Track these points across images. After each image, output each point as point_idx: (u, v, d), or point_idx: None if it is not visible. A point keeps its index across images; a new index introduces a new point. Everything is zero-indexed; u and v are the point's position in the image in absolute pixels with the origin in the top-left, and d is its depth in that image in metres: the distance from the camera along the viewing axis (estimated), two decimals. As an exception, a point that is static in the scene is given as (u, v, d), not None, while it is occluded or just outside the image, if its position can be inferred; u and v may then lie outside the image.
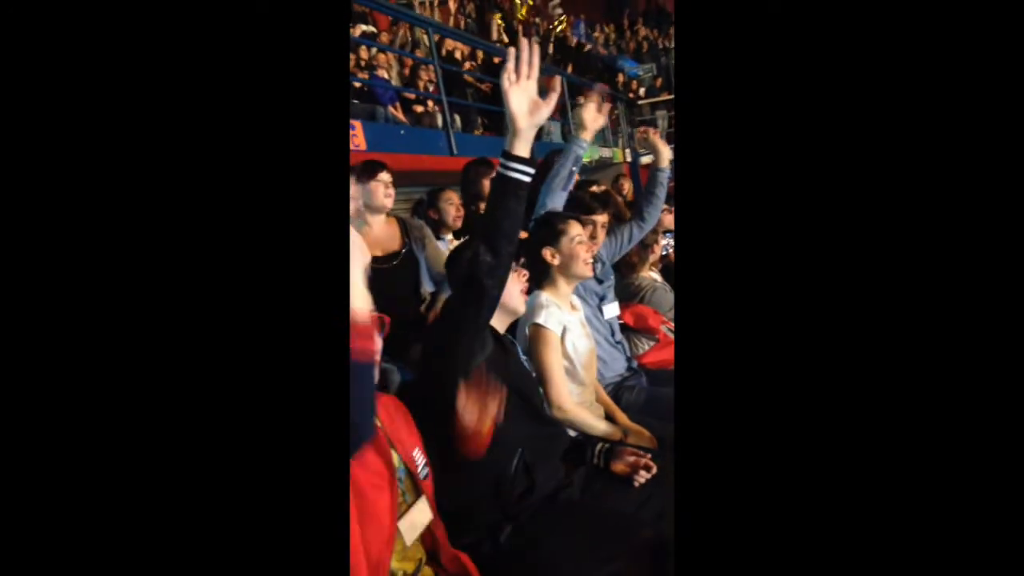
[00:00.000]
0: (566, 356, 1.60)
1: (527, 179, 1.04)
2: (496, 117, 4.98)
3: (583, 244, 1.64)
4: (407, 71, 4.64)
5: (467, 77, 5.04)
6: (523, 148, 1.03)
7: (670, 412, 1.77)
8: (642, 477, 1.24)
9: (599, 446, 1.31)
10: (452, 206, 2.27)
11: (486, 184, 2.46)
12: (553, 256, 1.64)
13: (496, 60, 5.17)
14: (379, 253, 1.72)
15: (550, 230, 1.67)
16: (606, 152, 5.76)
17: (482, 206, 2.47)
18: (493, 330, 1.26)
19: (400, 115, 4.16)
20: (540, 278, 1.65)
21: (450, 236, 2.22)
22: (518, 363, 1.34)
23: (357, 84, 3.91)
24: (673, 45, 9.32)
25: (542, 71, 1.05)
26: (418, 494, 0.98)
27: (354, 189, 1.35)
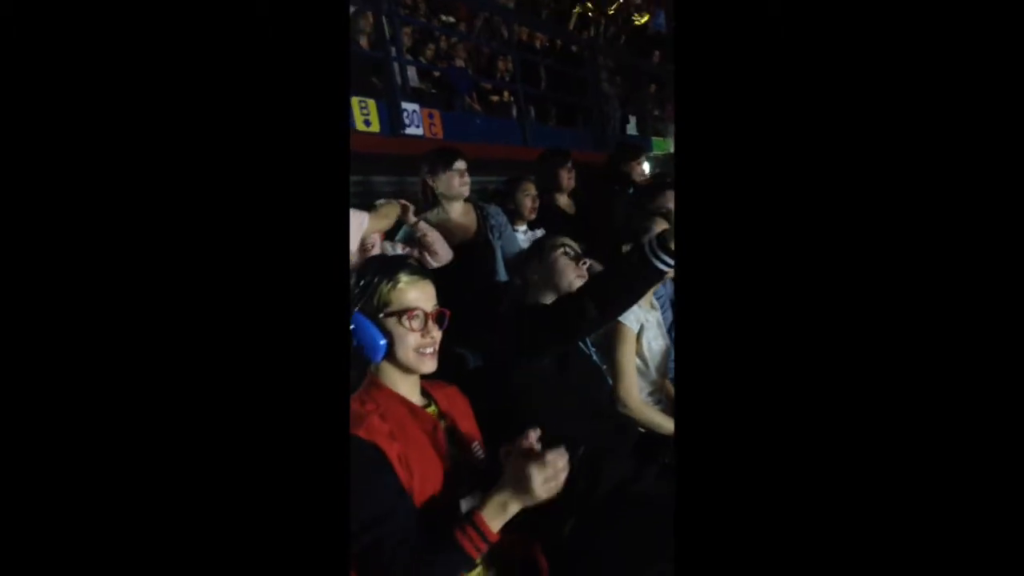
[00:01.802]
0: (639, 354, 1.58)
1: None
2: (570, 108, 4.94)
3: None
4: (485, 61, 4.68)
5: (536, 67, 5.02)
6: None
7: None
8: None
9: (670, 449, 1.29)
10: (529, 197, 2.28)
11: (562, 175, 2.46)
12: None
13: (574, 48, 5.11)
14: (456, 239, 1.76)
15: (631, 227, 1.65)
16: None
17: (557, 197, 2.47)
18: None
19: (476, 105, 4.21)
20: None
21: (524, 226, 2.23)
22: (584, 356, 1.34)
23: (436, 73, 3.97)
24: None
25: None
26: (475, 486, 0.99)
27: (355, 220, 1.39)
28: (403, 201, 1.57)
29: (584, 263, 1.37)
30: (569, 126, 4.85)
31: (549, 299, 1.33)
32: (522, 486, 0.83)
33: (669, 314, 1.82)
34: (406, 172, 3.07)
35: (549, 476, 0.82)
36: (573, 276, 1.34)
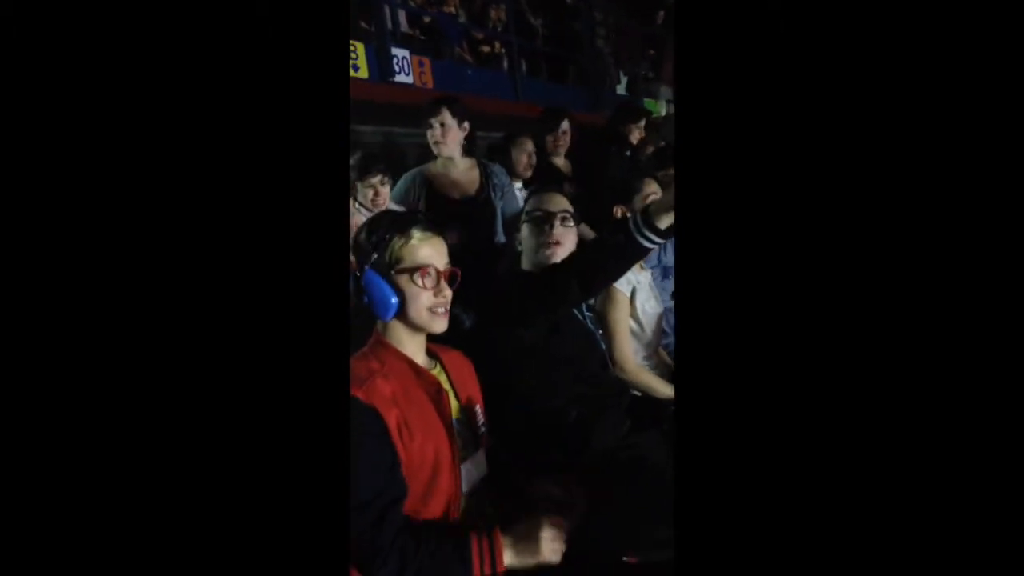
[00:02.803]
0: (634, 317, 1.58)
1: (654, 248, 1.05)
2: (562, 64, 4.80)
3: None
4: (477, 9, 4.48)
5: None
6: (667, 221, 1.01)
7: None
8: None
9: (667, 412, 1.30)
10: (524, 154, 2.22)
11: (562, 136, 2.39)
12: (624, 215, 1.59)
13: (569, 1, 4.93)
14: (457, 196, 1.71)
15: (624, 187, 1.62)
16: (673, 109, 5.51)
17: (554, 156, 2.41)
18: None
19: (467, 55, 4.05)
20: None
21: (519, 184, 2.18)
22: (578, 321, 1.33)
23: (426, 19, 3.80)
24: None
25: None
26: (477, 447, 1.00)
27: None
28: None
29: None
30: (561, 82, 4.73)
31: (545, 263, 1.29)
32: (532, 546, 0.87)
33: (669, 282, 1.82)
34: (395, 123, 2.97)
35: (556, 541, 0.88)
36: (570, 247, 1.28)
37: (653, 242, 1.03)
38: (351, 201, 1.61)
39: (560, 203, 1.31)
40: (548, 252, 1.26)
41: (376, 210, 1.57)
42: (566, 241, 1.28)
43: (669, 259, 1.91)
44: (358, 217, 1.54)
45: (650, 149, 2.77)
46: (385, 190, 1.66)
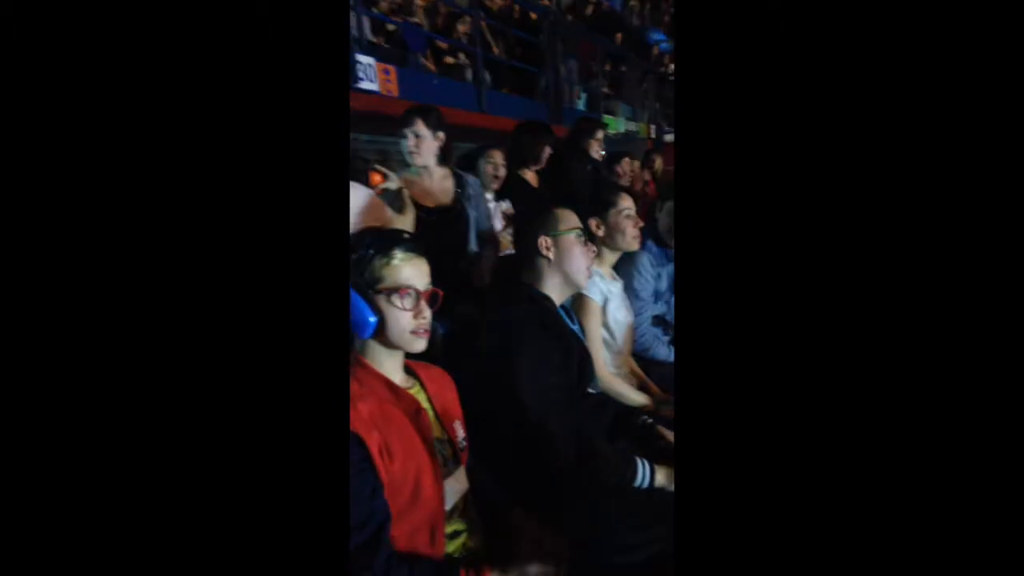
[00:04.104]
0: (606, 326, 1.62)
1: None
2: (528, 77, 4.87)
3: (631, 218, 1.63)
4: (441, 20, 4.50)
5: (483, 34, 4.90)
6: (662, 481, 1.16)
7: None
8: None
9: (641, 420, 1.33)
10: (491, 166, 2.24)
11: (542, 150, 2.43)
12: (599, 227, 1.63)
13: (533, 16, 5.01)
14: (430, 204, 1.70)
15: (599, 201, 1.66)
16: (632, 126, 5.67)
17: (527, 173, 2.45)
18: (551, 300, 1.27)
19: (431, 65, 4.06)
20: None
21: (490, 195, 2.19)
22: (566, 327, 1.34)
23: (390, 27, 3.78)
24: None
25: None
26: (458, 463, 1.00)
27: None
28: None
29: (593, 250, 1.33)
30: (524, 95, 4.79)
31: (555, 282, 1.30)
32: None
33: (664, 282, 1.86)
34: (361, 130, 2.93)
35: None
36: (585, 265, 1.30)
37: (643, 478, 1.14)
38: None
39: (576, 219, 1.33)
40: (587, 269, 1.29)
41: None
42: (589, 257, 1.31)
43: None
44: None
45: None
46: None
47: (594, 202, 1.68)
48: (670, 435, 1.28)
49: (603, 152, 2.91)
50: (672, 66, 8.08)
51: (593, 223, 1.64)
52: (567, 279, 1.28)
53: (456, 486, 0.99)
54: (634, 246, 1.66)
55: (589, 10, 6.72)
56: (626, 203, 1.65)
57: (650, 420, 1.33)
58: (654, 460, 1.16)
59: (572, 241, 1.28)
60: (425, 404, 0.98)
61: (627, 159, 3.07)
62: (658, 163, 3.74)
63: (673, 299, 1.97)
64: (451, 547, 0.97)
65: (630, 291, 1.76)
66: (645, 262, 1.79)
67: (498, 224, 2.11)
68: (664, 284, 1.87)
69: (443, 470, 0.95)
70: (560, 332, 1.25)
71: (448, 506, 0.96)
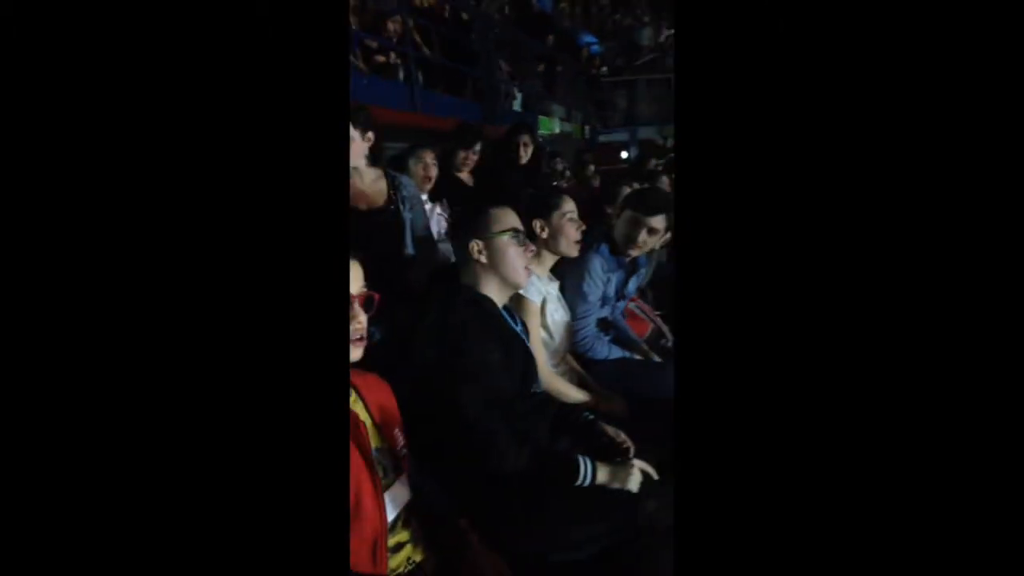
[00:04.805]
0: (544, 326, 1.62)
1: None
2: (460, 77, 4.84)
3: (574, 222, 1.64)
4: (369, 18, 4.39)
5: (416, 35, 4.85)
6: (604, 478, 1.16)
7: (636, 380, 1.80)
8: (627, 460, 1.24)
9: (582, 417, 1.34)
10: (420, 166, 2.19)
11: (469, 153, 2.41)
12: (542, 229, 1.63)
13: (465, 16, 4.99)
14: (364, 207, 1.65)
15: (543, 202, 1.65)
16: (566, 127, 5.76)
17: (462, 173, 2.42)
18: (491, 301, 1.25)
19: (361, 63, 3.95)
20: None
21: (424, 196, 2.15)
22: (507, 328, 1.33)
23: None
24: (641, 25, 9.36)
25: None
26: (399, 471, 0.97)
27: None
28: None
29: (531, 250, 1.30)
30: (458, 95, 4.76)
31: (493, 283, 1.27)
32: None
33: (612, 287, 1.88)
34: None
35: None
36: (522, 265, 1.26)
37: (585, 476, 1.13)
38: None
39: (513, 219, 1.29)
40: (525, 269, 1.26)
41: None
42: (526, 258, 1.27)
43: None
44: None
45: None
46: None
47: (533, 203, 1.67)
48: (611, 431, 1.29)
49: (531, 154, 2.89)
50: (603, 68, 8.30)
51: (538, 224, 1.63)
52: (504, 280, 1.26)
53: (398, 496, 0.96)
54: (573, 252, 1.66)
55: (520, 11, 6.78)
56: (568, 206, 1.66)
57: (591, 417, 1.34)
58: (595, 458, 1.16)
59: (507, 243, 1.24)
60: (364, 416, 0.94)
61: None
62: (590, 165, 3.81)
63: (621, 304, 2.00)
64: (394, 562, 0.94)
65: (578, 293, 1.77)
66: (596, 266, 1.78)
67: (435, 226, 2.08)
68: (612, 289, 1.89)
69: (384, 481, 0.92)
70: (502, 333, 1.23)
71: (391, 517, 0.92)
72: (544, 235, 1.63)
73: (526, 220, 1.61)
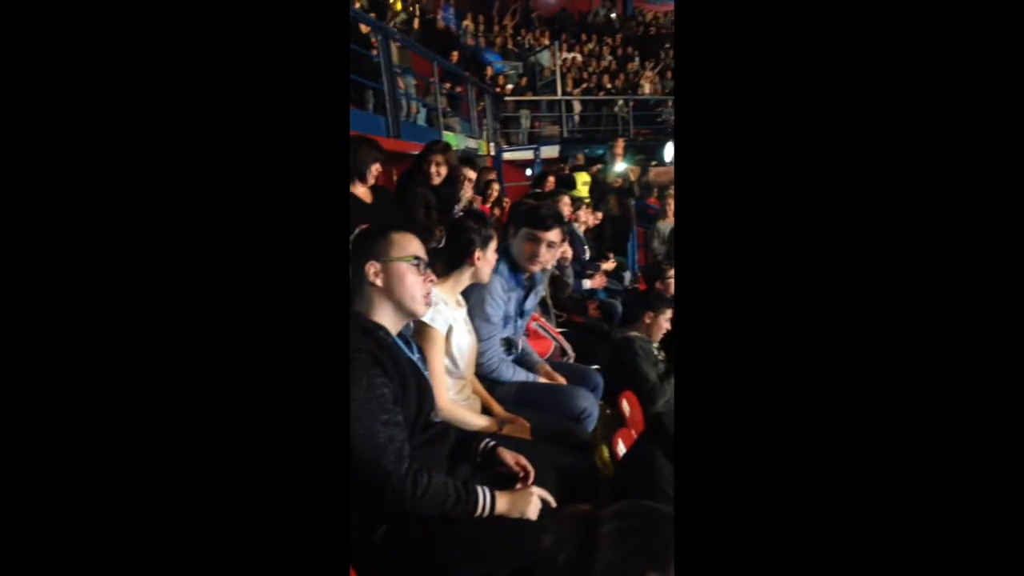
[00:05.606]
0: (449, 354, 1.62)
1: None
2: (363, 90, 4.73)
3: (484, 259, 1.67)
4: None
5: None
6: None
7: (541, 401, 1.84)
8: (523, 485, 1.24)
9: (482, 444, 1.34)
10: None
11: (372, 167, 2.36)
12: (478, 258, 1.65)
13: (364, 29, 4.89)
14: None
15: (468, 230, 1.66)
16: (471, 143, 5.80)
17: (358, 189, 2.36)
18: (385, 330, 1.22)
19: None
20: (439, 272, 1.64)
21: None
22: (413, 365, 1.30)
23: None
24: (541, 47, 9.68)
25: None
26: None
27: None
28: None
29: (431, 279, 1.26)
30: (359, 107, 4.64)
31: (387, 310, 1.24)
32: None
33: (512, 305, 1.90)
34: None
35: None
36: (420, 293, 1.22)
37: (483, 510, 1.14)
38: None
39: (415, 245, 1.24)
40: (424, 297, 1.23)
41: None
42: (425, 286, 1.24)
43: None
44: None
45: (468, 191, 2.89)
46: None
47: (432, 228, 1.68)
48: (511, 458, 1.30)
49: (443, 175, 2.89)
50: (508, 87, 8.48)
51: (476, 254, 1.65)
52: (400, 307, 1.22)
53: None
54: (485, 279, 1.69)
55: (425, 28, 6.77)
56: (493, 234, 1.68)
57: (492, 444, 1.34)
58: (495, 486, 1.17)
59: (405, 269, 1.20)
60: None
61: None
62: (495, 187, 3.85)
63: (521, 321, 2.04)
64: None
65: (481, 315, 1.78)
66: (497, 287, 1.80)
67: None
68: (512, 308, 1.92)
69: None
70: (395, 364, 1.20)
71: None
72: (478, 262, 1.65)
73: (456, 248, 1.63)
